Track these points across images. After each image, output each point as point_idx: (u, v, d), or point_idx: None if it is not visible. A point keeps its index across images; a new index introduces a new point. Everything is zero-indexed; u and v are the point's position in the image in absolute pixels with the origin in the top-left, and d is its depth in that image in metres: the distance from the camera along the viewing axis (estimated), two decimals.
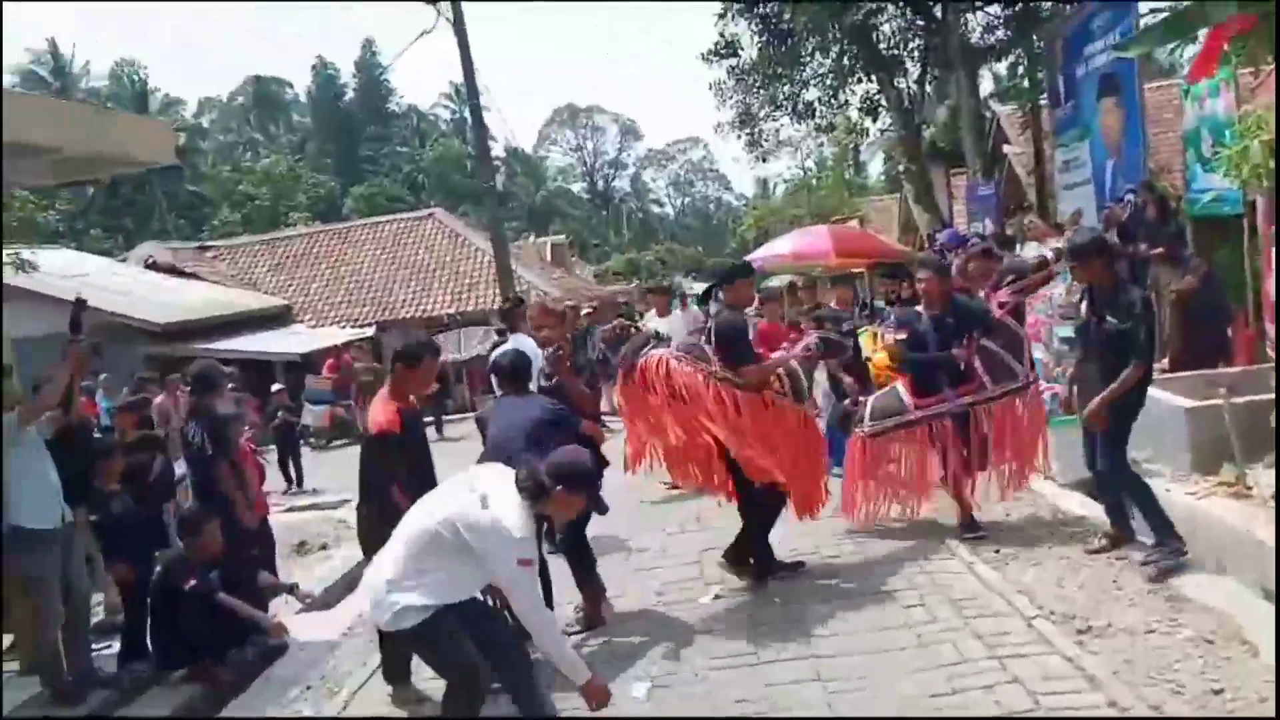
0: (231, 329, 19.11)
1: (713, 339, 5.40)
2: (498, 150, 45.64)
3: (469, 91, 18.09)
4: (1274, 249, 6.40)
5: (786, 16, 16.41)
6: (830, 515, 6.10)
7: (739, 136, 19.35)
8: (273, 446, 11.83)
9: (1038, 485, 6.54)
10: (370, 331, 20.36)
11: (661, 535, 6.96)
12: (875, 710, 3.93)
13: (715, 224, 69.44)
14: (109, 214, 44.71)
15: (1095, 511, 5.87)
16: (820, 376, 7.22)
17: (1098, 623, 4.44)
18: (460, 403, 18.20)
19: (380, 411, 4.38)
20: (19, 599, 5.02)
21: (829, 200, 33.70)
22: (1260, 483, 5.02)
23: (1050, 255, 6.65)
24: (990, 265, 6.93)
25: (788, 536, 5.94)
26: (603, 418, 7.29)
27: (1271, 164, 5.00)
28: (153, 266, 22.88)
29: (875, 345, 7.65)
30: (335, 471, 12.96)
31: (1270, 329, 6.38)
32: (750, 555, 5.63)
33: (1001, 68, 19.86)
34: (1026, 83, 15.63)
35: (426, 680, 4.43)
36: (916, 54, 17.41)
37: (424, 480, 4.34)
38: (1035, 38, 13.88)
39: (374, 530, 4.23)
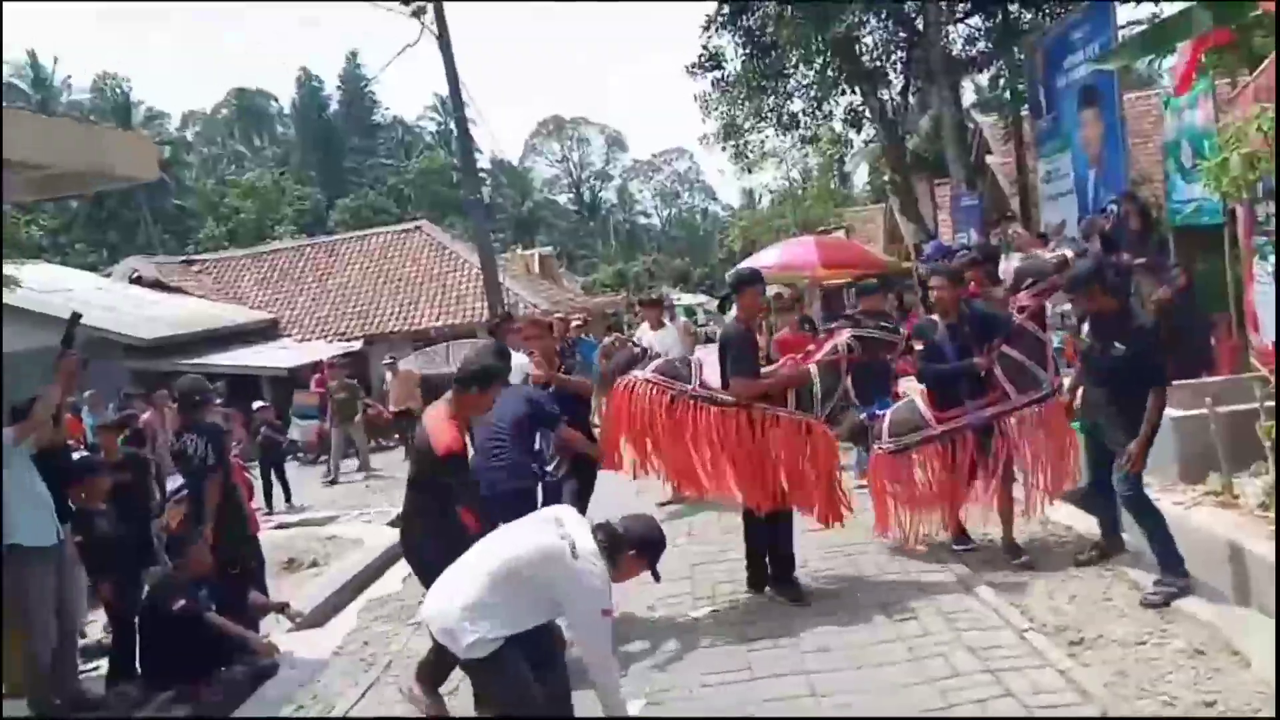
0: (217, 344, 18.98)
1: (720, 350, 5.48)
2: (483, 162, 45.74)
3: (454, 103, 18.11)
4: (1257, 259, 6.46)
5: (770, 29, 16.51)
6: (818, 529, 5.88)
7: (724, 148, 19.49)
8: (256, 463, 11.66)
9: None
10: (358, 346, 20.25)
11: None
12: None
13: (702, 235, 69.53)
14: (93, 228, 44.45)
15: (1085, 523, 5.90)
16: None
17: (1089, 635, 4.46)
18: None
19: (445, 431, 4.16)
20: (8, 619, 4.94)
21: (815, 211, 33.87)
22: (1247, 492, 5.07)
23: (1070, 255, 6.44)
24: (978, 275, 6.96)
25: None
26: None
27: (1251, 177, 5.07)
28: (137, 281, 22.75)
29: None
30: (322, 489, 12.95)
31: (1253, 338, 6.44)
32: (789, 570, 5.58)
33: (983, 79, 20.09)
34: (1008, 94, 15.79)
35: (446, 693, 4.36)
36: (899, 66, 17.56)
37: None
38: (1016, 49, 14.00)
39: (431, 552, 4.09)
